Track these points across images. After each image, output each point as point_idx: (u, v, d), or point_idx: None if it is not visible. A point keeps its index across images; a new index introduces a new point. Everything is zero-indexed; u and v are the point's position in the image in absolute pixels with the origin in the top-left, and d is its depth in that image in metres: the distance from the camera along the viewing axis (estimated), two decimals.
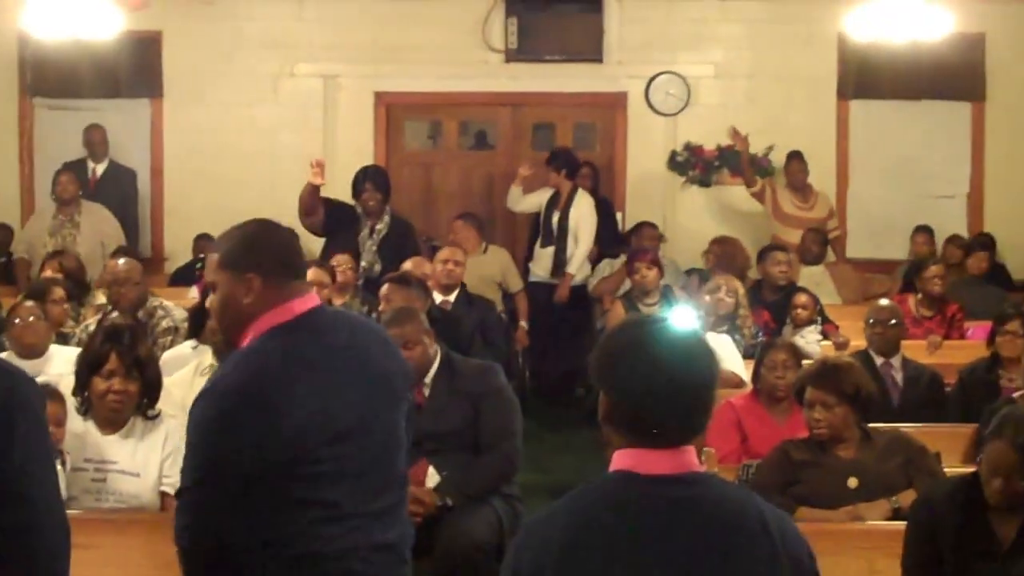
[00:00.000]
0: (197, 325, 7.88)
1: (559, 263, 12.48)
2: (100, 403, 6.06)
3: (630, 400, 3.16)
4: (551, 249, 12.58)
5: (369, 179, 11.21)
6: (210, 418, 3.98)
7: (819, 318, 10.20)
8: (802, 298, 10.25)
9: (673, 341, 3.20)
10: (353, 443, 4.03)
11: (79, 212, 12.59)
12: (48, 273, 10.60)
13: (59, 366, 7.52)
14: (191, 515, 4.02)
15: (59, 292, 9.28)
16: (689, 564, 3.06)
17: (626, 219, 13.50)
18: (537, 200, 12.84)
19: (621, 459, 3.18)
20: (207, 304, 4.71)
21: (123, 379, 6.03)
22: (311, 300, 4.16)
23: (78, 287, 10.41)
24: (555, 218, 12.57)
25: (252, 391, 3.96)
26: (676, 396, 3.13)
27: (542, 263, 12.68)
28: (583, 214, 12.56)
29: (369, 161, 12.75)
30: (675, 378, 3.14)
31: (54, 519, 3.39)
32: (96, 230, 12.55)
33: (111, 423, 6.09)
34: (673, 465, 3.14)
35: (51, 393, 5.94)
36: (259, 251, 4.12)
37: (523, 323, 12.07)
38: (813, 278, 12.04)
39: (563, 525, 3.14)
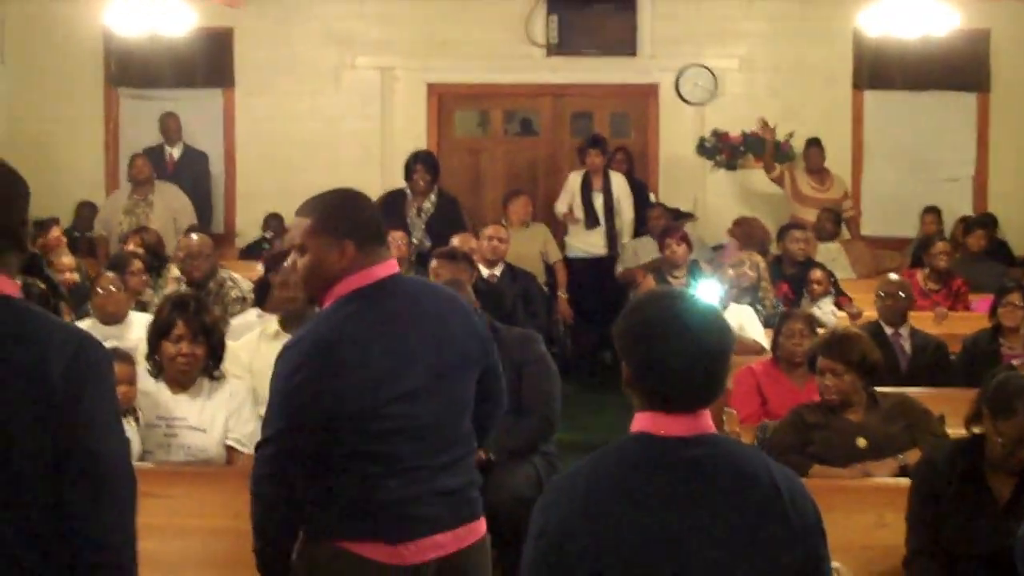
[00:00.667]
0: (262, 295, 7.89)
1: (612, 238, 12.53)
2: (170, 365, 6.08)
3: (648, 369, 3.14)
4: (599, 229, 12.60)
5: (420, 161, 11.26)
6: (290, 371, 4.02)
7: (833, 291, 10.20)
8: (817, 273, 10.29)
9: (690, 315, 3.16)
10: (419, 403, 4.03)
11: (152, 192, 12.67)
12: (130, 247, 10.62)
13: (137, 332, 7.52)
14: (269, 464, 4.06)
15: (137, 264, 9.30)
16: (703, 519, 3.02)
17: (659, 199, 13.44)
18: (570, 192, 12.83)
19: (640, 421, 3.16)
20: (289, 264, 4.68)
21: (190, 343, 6.04)
22: (391, 267, 4.16)
23: (156, 260, 10.44)
24: (598, 200, 12.61)
25: (330, 348, 3.99)
26: (691, 366, 3.10)
27: (586, 240, 12.68)
28: (623, 191, 12.71)
29: (422, 147, 12.74)
30: (690, 349, 3.10)
31: (121, 472, 3.34)
32: (168, 208, 12.60)
33: (180, 383, 6.10)
34: (689, 428, 3.11)
35: (122, 356, 5.96)
36: (353, 219, 4.13)
37: (562, 293, 12.07)
38: (829, 254, 12.05)
39: (586, 484, 3.11)
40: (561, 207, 12.80)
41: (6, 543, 3.22)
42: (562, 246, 12.75)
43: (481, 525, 4.20)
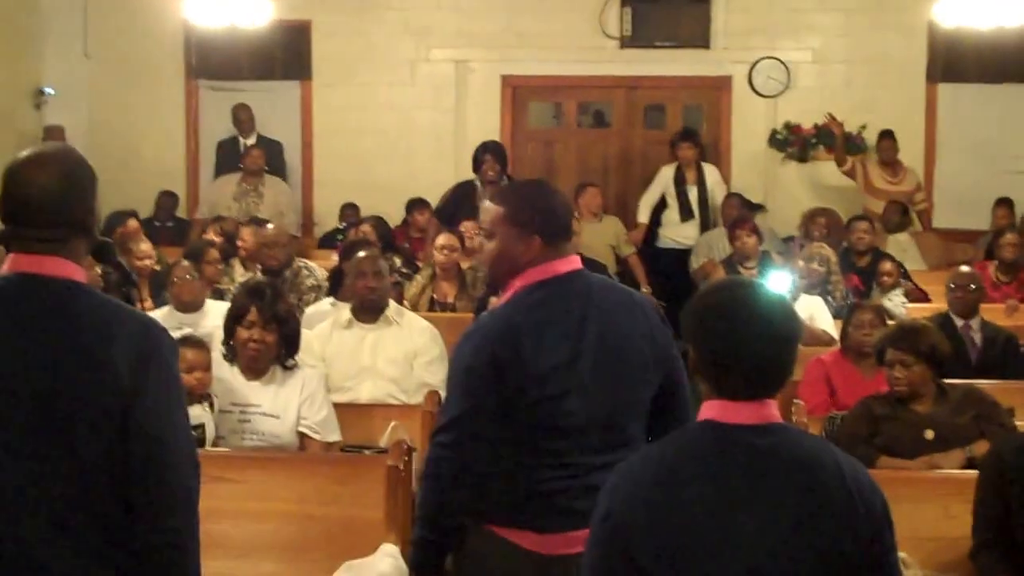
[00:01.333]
0: (336, 284, 7.93)
1: (707, 229, 12.53)
2: (242, 350, 6.14)
3: (715, 355, 3.12)
4: (693, 221, 12.65)
5: (489, 152, 11.26)
6: (472, 354, 4.08)
7: (903, 282, 10.13)
8: (887, 265, 10.24)
9: (758, 303, 3.14)
10: (583, 399, 4.02)
11: (263, 184, 12.76)
12: (210, 235, 10.72)
13: (213, 319, 7.59)
14: (450, 448, 4.07)
15: (213, 254, 9.36)
16: (768, 508, 3.00)
17: (730, 190, 13.35)
18: (661, 184, 12.83)
19: (708, 409, 3.14)
20: (476, 245, 4.74)
21: (261, 330, 6.09)
22: (573, 263, 4.17)
23: (234, 249, 10.50)
24: (692, 192, 12.66)
25: (506, 338, 4.02)
26: (757, 353, 3.08)
27: (679, 231, 12.73)
28: (717, 182, 12.87)
29: (495, 137, 12.73)
30: (757, 336, 3.08)
31: (184, 457, 3.38)
32: (276, 201, 12.70)
33: (253, 370, 6.15)
34: (756, 416, 3.09)
35: (197, 343, 6.03)
36: (545, 215, 4.16)
37: (645, 288, 12.02)
38: (899, 246, 12.02)
39: (652, 469, 3.10)
40: (648, 201, 12.81)
41: (72, 528, 3.26)
42: (655, 237, 12.83)
43: None
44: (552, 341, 4.01)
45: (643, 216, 12.92)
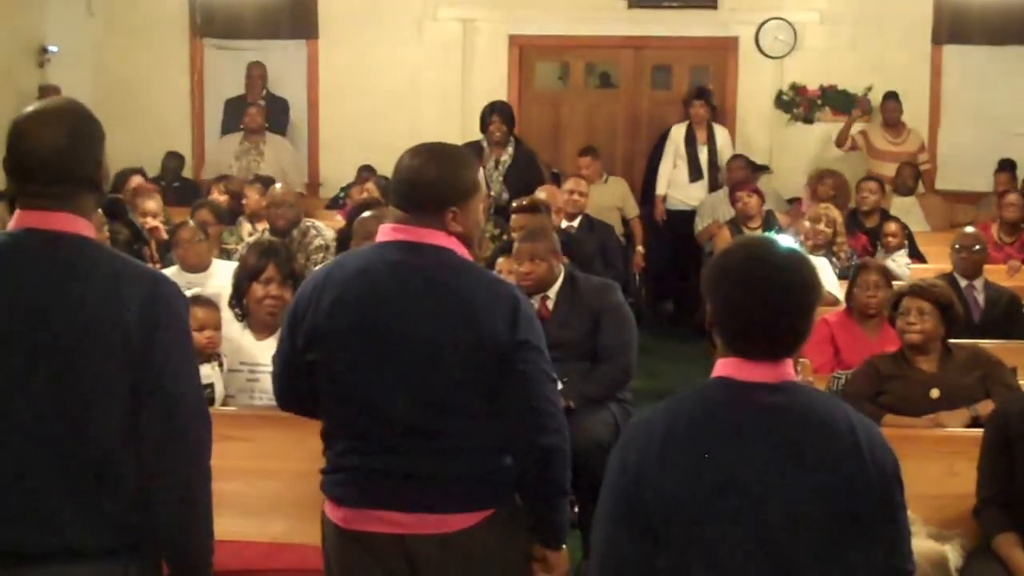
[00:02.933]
0: (343, 245, 7.94)
1: (716, 190, 12.49)
2: (257, 308, 6.15)
3: (731, 310, 3.14)
4: (702, 182, 12.63)
5: (496, 112, 11.26)
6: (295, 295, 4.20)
7: (908, 244, 10.14)
8: (892, 226, 10.25)
9: (778, 260, 3.14)
10: (363, 376, 3.93)
11: (264, 142, 12.76)
12: (215, 195, 10.72)
13: (220, 279, 7.60)
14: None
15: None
16: (781, 465, 3.03)
17: (735, 152, 13.32)
18: (673, 144, 12.80)
19: (722, 367, 3.16)
20: None
21: (279, 286, 6.11)
22: (392, 232, 3.96)
23: (239, 206, 10.52)
24: (702, 153, 12.66)
25: (308, 285, 4.07)
26: (774, 311, 3.09)
27: (687, 192, 12.69)
28: (727, 144, 12.82)
29: (502, 98, 12.71)
30: (774, 294, 3.09)
31: (195, 412, 3.40)
32: (278, 159, 12.71)
33: (265, 328, 6.16)
34: (770, 375, 3.11)
35: (206, 302, 6.03)
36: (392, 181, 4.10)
37: (640, 248, 12.07)
38: (904, 207, 12.02)
39: (665, 425, 3.12)
40: (665, 171, 12.79)
41: (81, 483, 3.27)
42: (663, 198, 12.78)
43: (450, 520, 3.89)
44: (329, 302, 3.91)
45: (662, 188, 12.86)
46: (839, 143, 12.99)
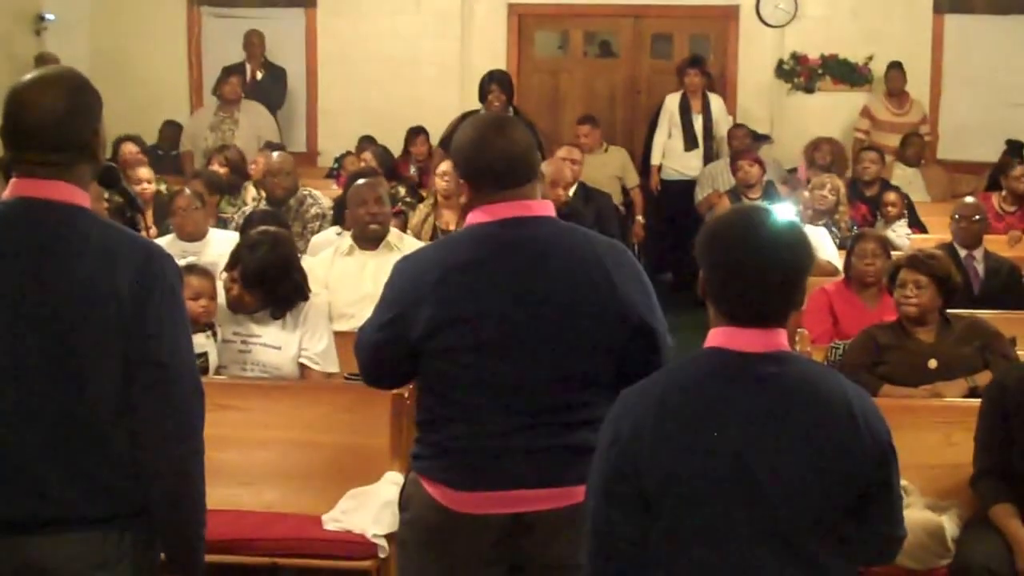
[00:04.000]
0: (340, 213, 7.94)
1: (710, 160, 12.47)
2: (227, 293, 6.15)
3: (723, 279, 3.13)
4: (697, 151, 12.58)
5: (495, 82, 11.23)
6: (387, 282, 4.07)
7: (907, 214, 10.12)
8: (891, 196, 10.23)
9: (771, 227, 3.14)
10: (486, 358, 3.85)
11: (239, 110, 12.69)
12: (214, 166, 10.71)
13: (217, 248, 7.60)
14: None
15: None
16: (774, 434, 3.03)
17: (737, 121, 13.32)
18: (668, 113, 12.75)
19: (715, 336, 3.15)
20: None
21: (240, 287, 6.07)
22: (511, 209, 3.85)
23: (239, 177, 10.52)
24: (697, 122, 12.59)
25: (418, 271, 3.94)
26: (767, 277, 3.08)
27: (683, 162, 12.64)
28: (722, 113, 12.75)
29: (501, 67, 12.66)
30: (768, 260, 3.08)
31: (188, 383, 3.38)
32: (254, 125, 12.64)
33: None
34: (763, 344, 3.10)
35: (202, 271, 6.01)
36: (467, 160, 3.93)
37: (640, 218, 12.06)
38: (906, 177, 12.02)
39: (658, 395, 3.11)
40: (660, 140, 12.75)
41: (74, 453, 3.27)
42: (658, 168, 12.75)
43: (570, 493, 3.77)
44: (451, 290, 3.82)
45: (656, 158, 12.80)
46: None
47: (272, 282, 6.04)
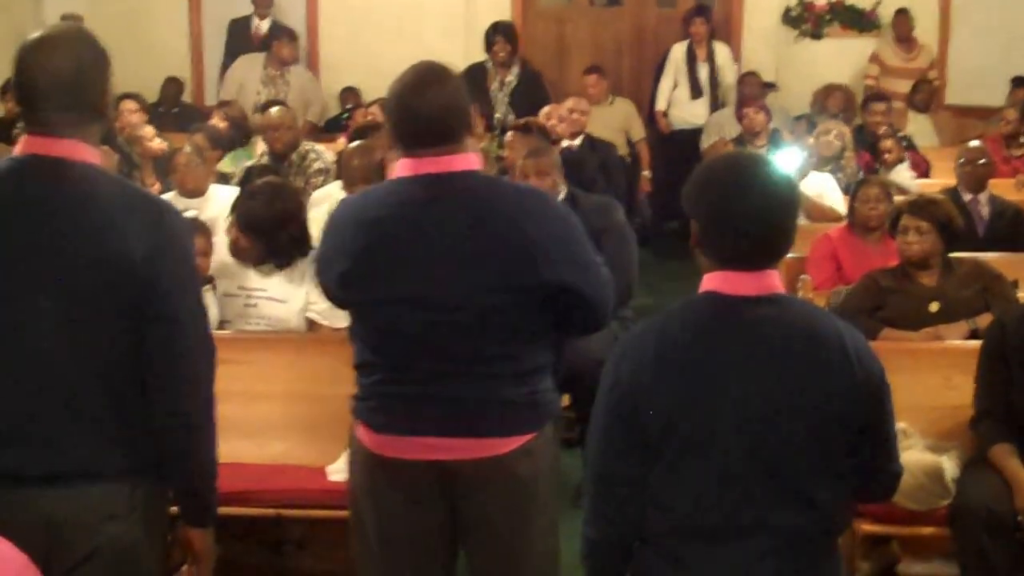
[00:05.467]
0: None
1: (716, 108, 12.47)
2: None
3: (712, 223, 3.20)
4: (703, 99, 12.56)
5: (499, 33, 11.27)
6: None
7: (907, 156, 10.14)
8: (888, 143, 10.10)
9: (755, 173, 3.21)
10: (395, 306, 3.93)
11: (289, 71, 12.66)
12: (215, 121, 10.73)
13: (218, 204, 7.64)
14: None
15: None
16: (768, 374, 3.10)
17: (742, 70, 13.30)
18: (674, 63, 12.74)
19: (709, 281, 3.22)
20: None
21: (238, 231, 6.15)
22: (421, 166, 3.89)
23: (241, 134, 10.55)
24: (703, 71, 12.59)
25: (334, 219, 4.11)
26: (753, 222, 3.14)
27: (689, 111, 12.61)
28: (728, 61, 12.73)
29: (506, 18, 12.66)
30: (753, 205, 3.14)
31: (200, 339, 3.46)
32: (303, 89, 12.58)
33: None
34: (755, 287, 3.16)
35: (198, 227, 6.04)
36: (390, 117, 4.03)
37: (646, 172, 12.10)
38: (916, 123, 12.04)
39: (655, 340, 3.19)
40: (665, 88, 12.74)
41: (88, 409, 3.35)
42: (664, 113, 12.72)
43: (492, 444, 3.90)
44: (358, 244, 3.90)
45: (661, 104, 12.76)
46: None
47: (267, 233, 6.09)
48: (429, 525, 3.98)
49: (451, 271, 3.80)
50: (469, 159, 3.92)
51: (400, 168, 3.93)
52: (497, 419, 3.89)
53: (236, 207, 6.19)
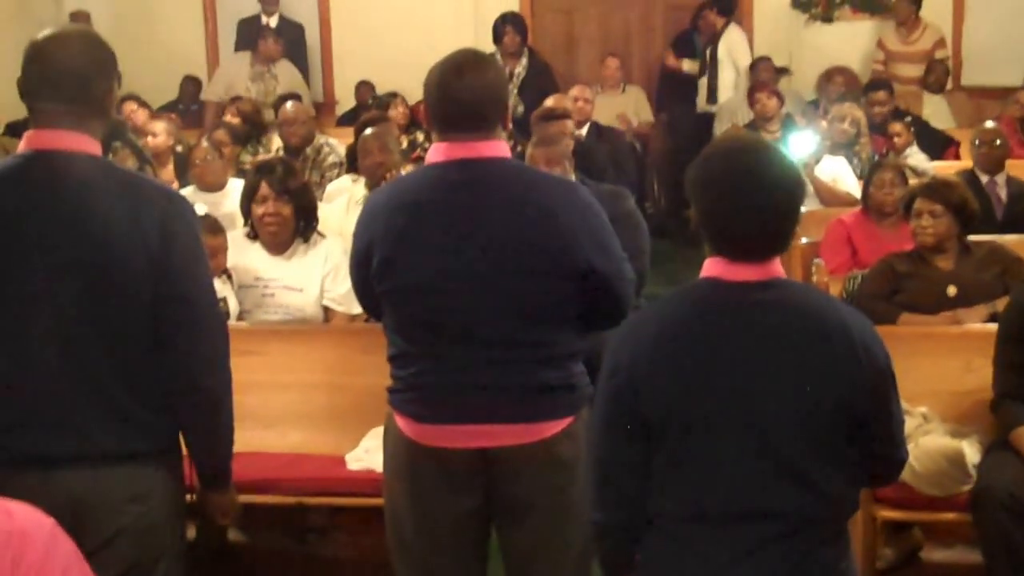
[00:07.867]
0: (354, 162, 8.00)
1: (712, 90, 12.49)
2: (260, 226, 6.21)
3: (713, 218, 3.18)
4: (704, 79, 12.60)
5: (509, 23, 11.31)
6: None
7: (915, 140, 10.08)
8: (896, 126, 10.07)
9: (758, 170, 3.16)
10: (439, 296, 3.93)
11: (275, 66, 12.71)
12: (228, 117, 10.77)
13: (237, 197, 7.63)
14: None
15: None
16: (770, 358, 3.08)
17: (754, 55, 13.28)
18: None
19: (710, 267, 3.21)
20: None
21: (274, 202, 6.15)
22: (464, 150, 3.89)
23: (254, 129, 10.57)
24: (707, 52, 12.62)
25: (367, 215, 4.09)
26: (754, 222, 3.12)
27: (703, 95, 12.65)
28: (734, 43, 12.63)
29: (515, 8, 12.68)
30: (755, 206, 3.12)
31: (212, 317, 3.60)
32: (291, 83, 12.60)
33: (275, 245, 6.23)
34: (757, 273, 3.15)
35: (212, 226, 6.03)
36: (428, 101, 3.99)
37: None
38: (933, 104, 12.02)
39: (655, 325, 3.20)
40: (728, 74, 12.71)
41: (112, 390, 3.45)
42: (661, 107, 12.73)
43: (535, 429, 3.94)
44: (393, 233, 3.91)
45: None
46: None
47: (300, 190, 6.25)
48: (467, 510, 4.01)
49: (487, 256, 3.82)
50: (501, 146, 3.94)
51: (433, 152, 3.96)
52: (540, 404, 3.92)
53: (258, 184, 6.21)
